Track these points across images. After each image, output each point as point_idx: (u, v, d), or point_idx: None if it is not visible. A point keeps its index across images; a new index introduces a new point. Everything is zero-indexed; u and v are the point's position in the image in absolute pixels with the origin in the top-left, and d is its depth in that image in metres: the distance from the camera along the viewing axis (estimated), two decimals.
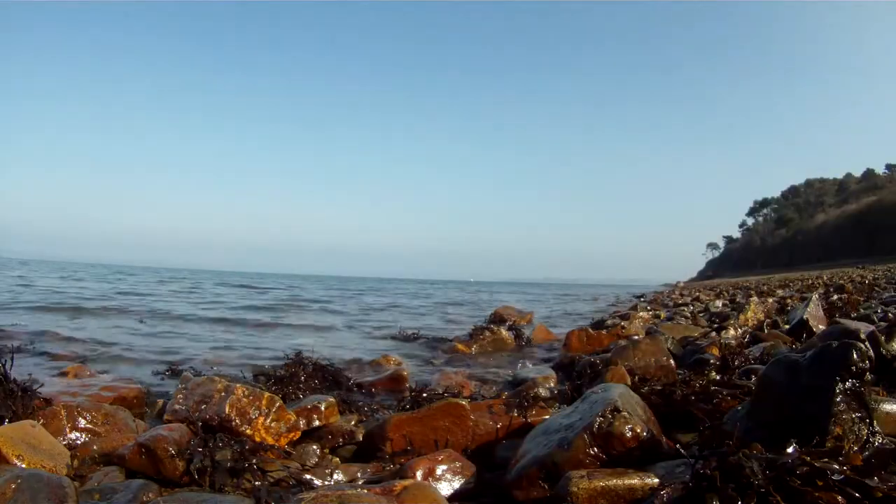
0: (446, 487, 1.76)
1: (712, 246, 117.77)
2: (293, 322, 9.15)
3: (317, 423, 2.48)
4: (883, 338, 2.16)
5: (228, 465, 1.84)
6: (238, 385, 2.32)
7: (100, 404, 2.40)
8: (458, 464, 1.83)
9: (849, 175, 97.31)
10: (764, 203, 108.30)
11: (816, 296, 4.76)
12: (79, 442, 2.17)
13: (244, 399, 2.25)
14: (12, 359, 2.40)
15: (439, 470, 1.79)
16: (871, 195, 78.15)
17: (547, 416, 2.25)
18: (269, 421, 2.24)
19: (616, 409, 1.62)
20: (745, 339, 4.02)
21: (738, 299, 10.90)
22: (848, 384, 1.36)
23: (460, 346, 5.87)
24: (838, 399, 1.35)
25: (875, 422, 1.37)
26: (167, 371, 4.23)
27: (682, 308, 9.86)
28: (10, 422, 2.08)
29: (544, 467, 1.58)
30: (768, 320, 5.11)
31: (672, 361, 3.16)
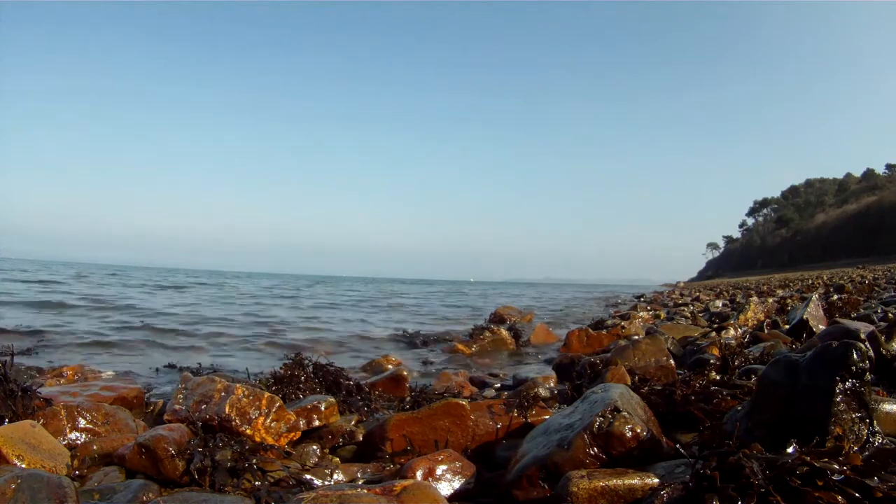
0: (446, 487, 1.76)
1: (712, 246, 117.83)
2: (293, 321, 9.14)
3: (317, 423, 2.48)
4: (883, 338, 2.16)
5: (228, 465, 1.84)
6: (238, 385, 2.32)
7: (100, 404, 2.41)
8: (458, 464, 1.83)
9: (849, 175, 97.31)
10: (764, 203, 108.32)
11: (816, 296, 4.76)
12: (79, 442, 2.17)
13: (244, 399, 2.25)
14: (12, 358, 2.40)
15: (439, 470, 1.79)
16: (871, 195, 78.13)
17: (547, 416, 2.25)
18: (269, 421, 2.24)
19: (616, 410, 1.62)
20: (745, 339, 4.02)
21: (738, 299, 10.91)
22: (848, 384, 1.36)
23: (460, 346, 5.87)
24: (838, 399, 1.35)
25: (875, 422, 1.37)
26: (167, 368, 4.24)
27: (682, 308, 9.87)
28: (10, 422, 2.08)
29: (544, 467, 1.58)
30: (768, 320, 5.11)
31: (672, 361, 3.16)
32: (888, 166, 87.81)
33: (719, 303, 10.01)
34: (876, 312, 4.61)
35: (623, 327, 6.09)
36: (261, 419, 2.23)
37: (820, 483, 1.09)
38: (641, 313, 8.30)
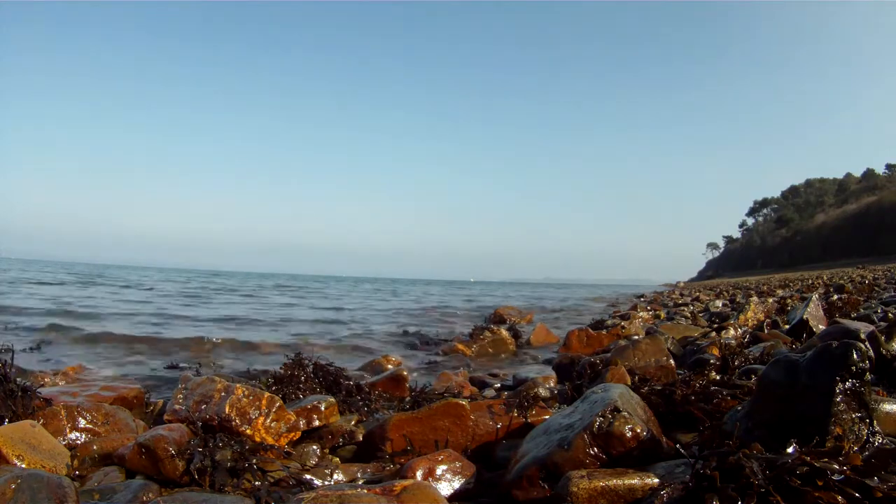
0: (446, 487, 1.76)
1: (712, 246, 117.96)
2: (293, 322, 9.15)
3: (317, 423, 2.48)
4: (883, 338, 2.16)
5: (228, 465, 1.84)
6: (238, 385, 2.32)
7: (100, 404, 2.41)
8: (458, 464, 1.83)
9: (849, 175, 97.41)
10: (764, 203, 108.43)
11: (816, 296, 4.76)
12: (79, 442, 2.17)
13: (244, 399, 2.25)
14: (13, 358, 2.40)
15: (439, 470, 1.79)
16: (871, 195, 78.21)
17: (547, 416, 2.25)
18: (269, 421, 2.24)
19: (616, 409, 1.62)
20: (745, 339, 4.02)
21: (738, 299, 10.91)
22: (848, 384, 1.36)
23: (460, 347, 5.87)
24: (838, 399, 1.35)
25: (875, 422, 1.37)
26: (167, 369, 4.24)
27: (682, 308, 9.87)
28: (10, 422, 2.08)
29: (544, 467, 1.58)
30: (768, 320, 5.11)
31: (672, 361, 3.15)
32: (888, 166, 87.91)
33: (719, 303, 10.00)
34: (876, 312, 4.61)
35: (623, 327, 6.09)
36: (261, 419, 2.23)
37: (820, 483, 1.09)
38: (641, 313, 8.30)
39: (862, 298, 6.70)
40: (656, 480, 1.38)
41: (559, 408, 2.63)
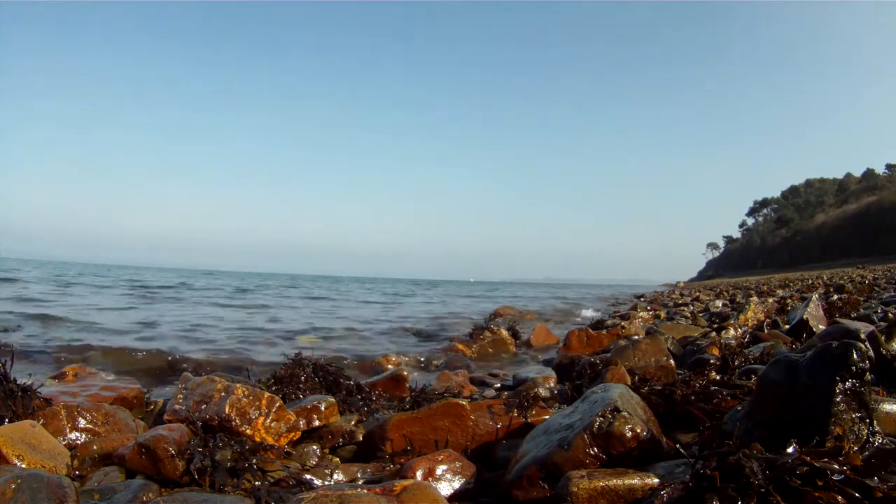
0: (446, 487, 1.76)
1: (712, 246, 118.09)
2: (294, 322, 9.15)
3: (317, 423, 2.48)
4: (883, 338, 2.16)
5: (228, 465, 1.84)
6: (238, 385, 2.31)
7: (100, 404, 2.41)
8: (458, 464, 1.83)
9: (849, 175, 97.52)
10: (764, 203, 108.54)
11: (816, 296, 4.76)
12: (79, 442, 2.17)
13: (244, 399, 2.25)
14: (12, 358, 2.40)
15: (439, 470, 1.79)
16: (871, 195, 78.29)
17: (547, 416, 2.25)
18: (269, 421, 2.24)
19: (616, 410, 1.62)
20: (745, 339, 4.02)
21: (738, 299, 10.91)
22: (848, 384, 1.36)
23: (460, 347, 5.87)
24: (838, 399, 1.35)
25: (875, 422, 1.37)
26: (167, 371, 4.24)
27: (682, 308, 9.87)
28: (10, 422, 2.08)
29: (544, 467, 1.58)
30: (768, 320, 5.11)
31: (672, 361, 3.15)
32: (888, 166, 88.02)
33: (719, 303, 10.01)
34: (876, 312, 4.61)
35: (623, 327, 6.09)
36: (261, 419, 2.23)
37: (820, 483, 1.09)
38: (641, 313, 8.31)
39: (862, 298, 6.71)
40: (656, 480, 1.38)
41: (559, 408, 2.64)
